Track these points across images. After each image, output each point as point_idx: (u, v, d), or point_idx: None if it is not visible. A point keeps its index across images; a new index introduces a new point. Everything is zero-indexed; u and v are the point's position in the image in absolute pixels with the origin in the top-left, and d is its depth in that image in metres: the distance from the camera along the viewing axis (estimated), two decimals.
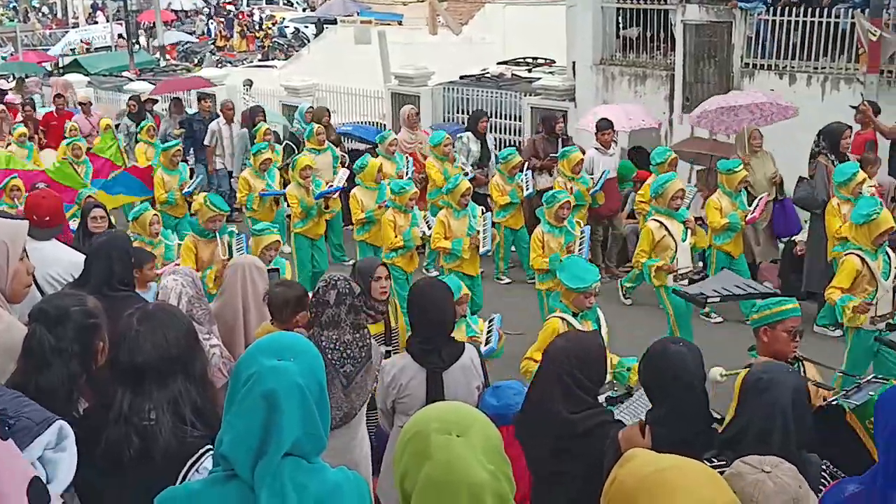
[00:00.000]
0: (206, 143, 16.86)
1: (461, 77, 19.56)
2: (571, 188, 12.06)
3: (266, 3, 53.95)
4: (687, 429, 4.28)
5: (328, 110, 16.44)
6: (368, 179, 12.10)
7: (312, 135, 14.24)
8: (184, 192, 13.47)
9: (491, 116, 17.50)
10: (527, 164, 13.06)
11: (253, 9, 51.87)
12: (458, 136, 14.54)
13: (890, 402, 3.97)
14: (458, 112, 18.15)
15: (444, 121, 18.49)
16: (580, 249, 9.99)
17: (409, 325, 5.93)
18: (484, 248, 10.63)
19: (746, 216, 10.89)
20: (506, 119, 17.71)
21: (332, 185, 12.70)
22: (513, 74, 20.12)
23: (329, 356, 5.27)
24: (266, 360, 2.92)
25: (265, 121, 15.78)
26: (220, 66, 33.76)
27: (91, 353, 3.85)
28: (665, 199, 9.87)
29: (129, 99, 19.63)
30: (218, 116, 17.15)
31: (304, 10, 52.42)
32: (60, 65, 33.96)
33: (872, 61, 12.90)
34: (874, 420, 4.06)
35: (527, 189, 12.62)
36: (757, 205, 10.96)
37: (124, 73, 28.38)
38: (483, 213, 11.05)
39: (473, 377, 5.72)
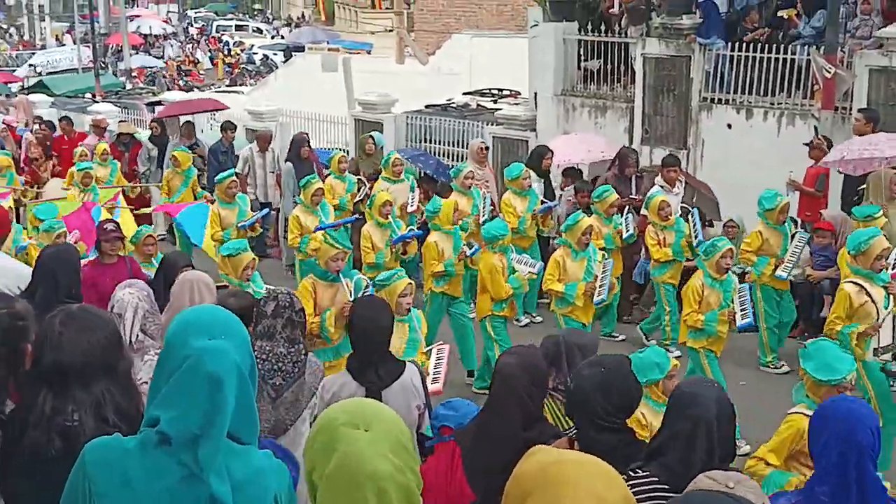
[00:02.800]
0: (237, 170, 15.24)
1: (427, 106, 19.68)
2: (664, 238, 11.06)
3: (235, 30, 54.10)
4: (613, 440, 4.31)
5: (371, 137, 15.48)
6: (445, 223, 10.58)
7: (388, 164, 13.23)
8: (240, 226, 12.15)
9: (453, 145, 17.67)
10: (628, 206, 11.96)
11: (222, 35, 52.00)
12: None
13: (823, 416, 4.06)
14: (423, 140, 18.24)
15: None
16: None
17: (351, 344, 5.94)
18: (599, 296, 9.66)
19: None
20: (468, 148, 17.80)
21: (411, 228, 11.79)
22: (478, 105, 20.27)
23: (259, 367, 5.22)
24: (197, 340, 2.94)
25: (310, 148, 14.92)
26: (187, 90, 33.76)
27: (19, 356, 3.83)
28: (868, 259, 8.23)
29: (152, 121, 18.76)
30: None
31: (272, 37, 52.71)
32: (26, 85, 33.86)
33: (827, 98, 13.08)
34: (809, 433, 4.14)
35: (626, 232, 11.44)
36: None
37: (88, 95, 28.34)
38: (604, 258, 10.14)
39: (413, 397, 5.73)
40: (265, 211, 13.81)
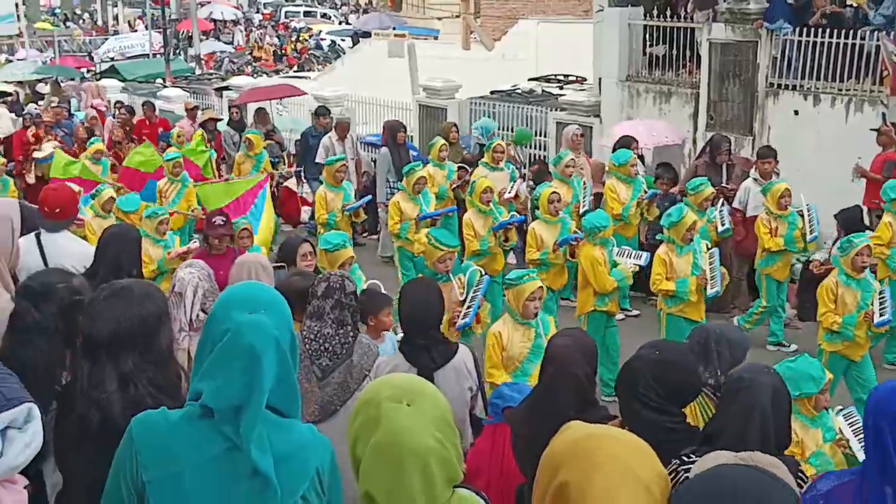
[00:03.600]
0: (317, 159, 15.30)
1: (492, 92, 19.66)
2: (776, 228, 10.66)
3: (304, 16, 54.43)
4: (662, 422, 4.27)
5: (454, 125, 15.60)
6: (543, 211, 10.41)
7: (490, 150, 13.04)
8: (346, 210, 12.21)
9: None
10: (723, 199, 11.67)
11: (291, 20, 52.34)
12: None
13: (879, 401, 3.99)
14: None
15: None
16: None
17: (401, 325, 5.96)
18: (713, 289, 9.23)
19: None
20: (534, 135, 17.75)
21: (512, 214, 11.20)
22: (543, 90, 20.21)
23: (307, 346, 5.25)
24: (239, 314, 3.00)
25: (406, 134, 14.82)
26: (255, 76, 34.04)
27: (75, 330, 3.92)
28: None
29: (231, 105, 18.73)
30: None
31: (340, 23, 52.93)
32: (98, 70, 34.42)
33: None
34: (864, 418, 4.09)
35: (721, 226, 11.05)
36: None
37: (158, 81, 28.73)
38: (709, 249, 9.68)
39: (465, 379, 5.74)
40: (368, 197, 13.56)
